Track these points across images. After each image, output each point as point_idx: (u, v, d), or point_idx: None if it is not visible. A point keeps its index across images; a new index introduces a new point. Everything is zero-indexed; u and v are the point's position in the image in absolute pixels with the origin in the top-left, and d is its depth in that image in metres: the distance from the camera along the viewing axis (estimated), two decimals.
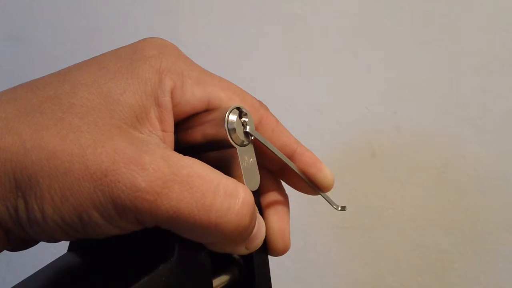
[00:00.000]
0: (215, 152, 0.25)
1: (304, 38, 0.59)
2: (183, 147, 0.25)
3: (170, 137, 0.24)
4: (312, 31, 0.59)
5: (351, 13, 0.58)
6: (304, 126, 0.60)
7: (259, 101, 0.28)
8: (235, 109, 0.25)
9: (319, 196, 0.29)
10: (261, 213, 0.28)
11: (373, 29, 0.57)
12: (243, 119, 0.25)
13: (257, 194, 0.28)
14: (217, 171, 0.23)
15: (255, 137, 0.25)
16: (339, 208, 0.30)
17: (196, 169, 0.22)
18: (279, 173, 0.29)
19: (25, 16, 0.69)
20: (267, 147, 0.26)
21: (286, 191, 0.30)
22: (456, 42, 0.55)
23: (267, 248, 0.28)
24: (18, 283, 0.24)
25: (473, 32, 0.54)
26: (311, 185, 0.28)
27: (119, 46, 0.25)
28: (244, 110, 0.25)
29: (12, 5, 0.69)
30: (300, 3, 0.59)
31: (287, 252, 0.28)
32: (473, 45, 0.55)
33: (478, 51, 0.55)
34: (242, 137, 0.25)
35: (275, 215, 0.28)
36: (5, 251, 0.23)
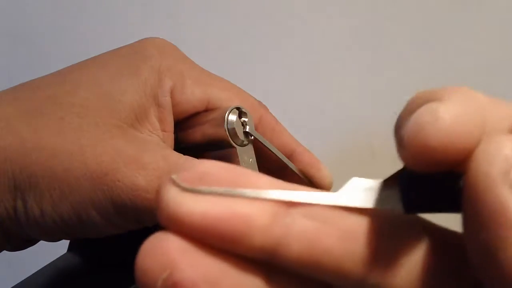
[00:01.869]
0: (215, 152, 0.25)
1: (304, 38, 0.59)
2: (183, 147, 0.25)
3: (170, 137, 0.24)
4: (312, 31, 0.59)
5: (351, 12, 0.58)
6: (304, 126, 0.60)
7: (258, 101, 0.28)
8: (235, 109, 0.25)
9: None
10: None
11: (373, 29, 0.57)
12: (243, 119, 0.25)
13: None
14: None
15: (254, 137, 0.25)
16: None
17: None
18: (279, 173, 0.29)
19: (25, 16, 0.69)
20: (266, 147, 0.26)
21: None
22: (456, 42, 0.55)
23: None
24: (18, 283, 0.24)
25: (473, 32, 0.54)
26: (310, 186, 0.28)
27: (119, 46, 0.25)
28: (244, 110, 0.25)
29: (12, 5, 0.69)
30: (300, 2, 0.59)
31: None
32: (473, 45, 0.55)
33: (478, 51, 0.55)
34: (241, 137, 0.25)
35: None
36: (5, 251, 0.23)
